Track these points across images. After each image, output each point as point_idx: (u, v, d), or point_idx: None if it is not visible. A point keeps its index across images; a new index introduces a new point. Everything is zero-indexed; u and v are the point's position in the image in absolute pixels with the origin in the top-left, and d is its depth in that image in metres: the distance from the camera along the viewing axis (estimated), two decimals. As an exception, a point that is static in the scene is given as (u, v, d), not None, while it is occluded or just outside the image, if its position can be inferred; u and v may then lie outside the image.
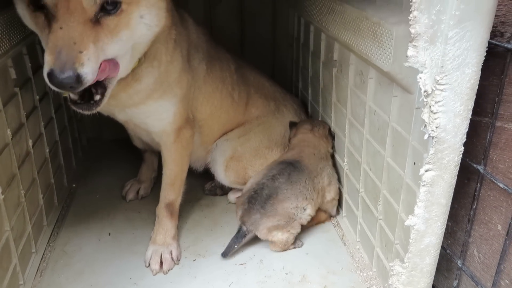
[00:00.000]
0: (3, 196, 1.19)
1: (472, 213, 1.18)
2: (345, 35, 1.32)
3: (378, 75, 1.21)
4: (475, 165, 1.13)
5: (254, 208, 1.44)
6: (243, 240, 1.47)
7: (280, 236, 1.46)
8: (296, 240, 1.53)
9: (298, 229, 1.49)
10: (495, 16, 1.01)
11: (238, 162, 1.67)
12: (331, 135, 1.67)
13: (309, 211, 1.50)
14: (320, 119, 1.79)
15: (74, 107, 1.12)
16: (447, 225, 1.27)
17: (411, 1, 0.77)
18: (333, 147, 1.67)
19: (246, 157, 1.68)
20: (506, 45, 0.98)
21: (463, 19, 0.78)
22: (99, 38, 1.01)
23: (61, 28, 0.96)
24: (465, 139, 0.92)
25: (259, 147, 1.70)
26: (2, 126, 1.23)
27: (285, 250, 1.51)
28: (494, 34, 1.02)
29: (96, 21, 1.01)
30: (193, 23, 1.52)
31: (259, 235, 1.47)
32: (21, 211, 1.33)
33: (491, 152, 1.09)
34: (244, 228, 1.45)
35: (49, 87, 1.01)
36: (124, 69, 1.17)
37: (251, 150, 1.69)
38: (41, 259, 1.45)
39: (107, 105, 1.33)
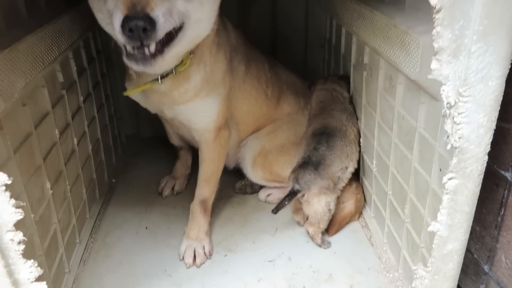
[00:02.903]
0: (52, 191, 1.29)
1: (499, 219, 1.18)
2: (374, 41, 1.33)
3: (407, 80, 1.22)
4: (503, 172, 1.13)
5: (308, 169, 1.52)
6: (293, 198, 1.52)
7: (323, 204, 1.51)
8: (324, 241, 1.57)
9: (334, 204, 1.55)
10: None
11: (265, 158, 1.74)
12: (344, 79, 1.76)
13: (351, 168, 1.60)
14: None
15: (129, 61, 1.16)
16: (475, 229, 1.28)
17: (434, 17, 0.79)
18: (348, 90, 1.76)
19: (273, 153, 1.74)
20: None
21: (487, 33, 0.79)
22: None
23: None
24: (489, 149, 0.93)
25: (286, 143, 1.76)
26: (51, 127, 1.33)
27: (314, 235, 1.56)
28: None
29: None
30: (232, 27, 1.60)
31: (306, 197, 1.52)
32: (67, 204, 1.44)
33: (519, 159, 1.08)
34: (297, 186, 1.50)
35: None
36: (178, 52, 1.26)
37: (277, 147, 1.75)
38: (84, 249, 1.56)
39: (159, 102, 1.47)
